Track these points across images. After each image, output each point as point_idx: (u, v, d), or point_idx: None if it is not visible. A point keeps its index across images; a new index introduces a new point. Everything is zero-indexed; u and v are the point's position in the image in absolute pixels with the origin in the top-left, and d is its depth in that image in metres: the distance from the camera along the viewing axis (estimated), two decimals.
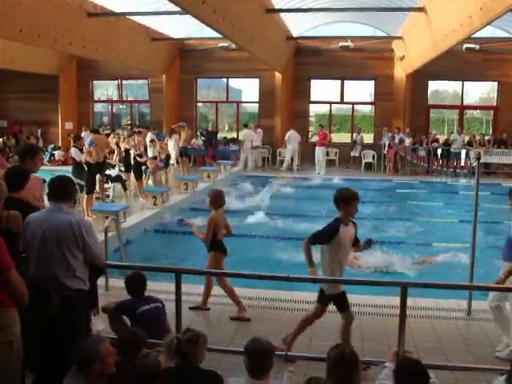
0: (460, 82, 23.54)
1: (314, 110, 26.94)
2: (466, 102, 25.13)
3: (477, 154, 5.73)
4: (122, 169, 15.15)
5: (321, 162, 20.43)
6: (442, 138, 23.00)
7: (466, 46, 21.05)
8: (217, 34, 14.82)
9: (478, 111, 27.89)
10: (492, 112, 24.34)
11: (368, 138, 23.91)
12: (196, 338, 3.70)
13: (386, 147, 20.69)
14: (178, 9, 11.52)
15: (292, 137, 20.88)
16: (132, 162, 14.69)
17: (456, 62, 21.73)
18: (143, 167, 14.96)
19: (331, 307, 5.33)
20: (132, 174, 14.77)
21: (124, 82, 25.52)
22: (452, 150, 20.80)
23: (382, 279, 7.01)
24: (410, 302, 6.61)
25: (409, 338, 5.74)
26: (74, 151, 12.12)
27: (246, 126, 22.00)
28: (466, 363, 5.18)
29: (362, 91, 24.51)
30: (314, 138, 21.64)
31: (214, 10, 11.37)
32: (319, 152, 20.46)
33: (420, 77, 22.08)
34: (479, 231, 10.31)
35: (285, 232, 11.25)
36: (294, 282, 6.23)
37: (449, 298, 6.87)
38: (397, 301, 4.71)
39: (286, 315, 6.51)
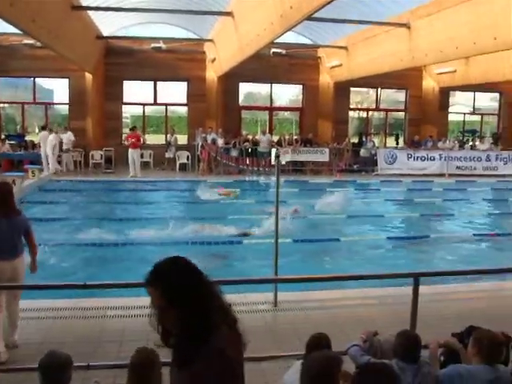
0: (269, 85, 24.68)
1: (129, 111, 26.51)
2: (277, 104, 26.45)
3: (276, 152, 5.99)
4: None
5: (135, 164, 20.07)
6: (260, 138, 23.77)
7: (273, 50, 22.16)
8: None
9: (289, 112, 29.39)
10: (299, 113, 25.90)
11: (182, 139, 24.04)
12: None
13: (200, 148, 20.96)
14: None
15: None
16: None
17: (264, 66, 22.83)
18: None
19: None
20: None
21: None
22: (259, 149, 21.64)
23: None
24: None
25: None
26: None
27: (43, 128, 20.39)
28: (272, 353, 5.41)
29: (175, 92, 24.57)
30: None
31: (11, 3, 10.61)
32: (133, 154, 20.07)
33: (231, 79, 22.79)
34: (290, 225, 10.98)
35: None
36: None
37: (257, 292, 7.11)
38: None
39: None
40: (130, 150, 20.07)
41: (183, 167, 22.01)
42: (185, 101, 24.14)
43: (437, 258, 10.39)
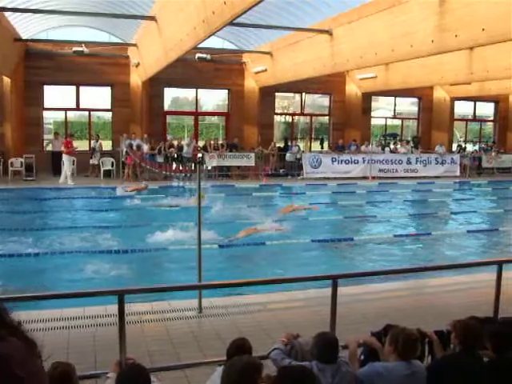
0: (194, 90, 24.58)
1: (51, 116, 25.74)
2: (204, 109, 26.39)
3: (199, 158, 5.97)
4: None
5: (68, 171, 19.61)
6: (184, 144, 23.57)
7: (198, 55, 22.10)
8: None
9: (216, 117, 29.40)
10: (224, 118, 25.96)
11: (107, 144, 23.57)
12: None
13: (124, 154, 20.62)
14: None
15: None
16: None
17: (190, 71, 22.78)
18: None
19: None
20: None
21: None
22: (185, 154, 21.50)
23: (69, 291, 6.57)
24: (139, 306, 6.73)
25: (141, 343, 5.82)
26: None
27: None
28: (197, 359, 5.39)
29: (99, 97, 24.06)
30: (50, 147, 20.73)
31: None
32: (66, 161, 19.62)
33: (156, 84, 22.59)
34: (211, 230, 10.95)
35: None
36: None
37: (182, 299, 7.07)
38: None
39: None
40: (63, 156, 19.72)
41: (108, 174, 21.54)
42: (109, 106, 23.64)
43: (359, 259, 10.63)
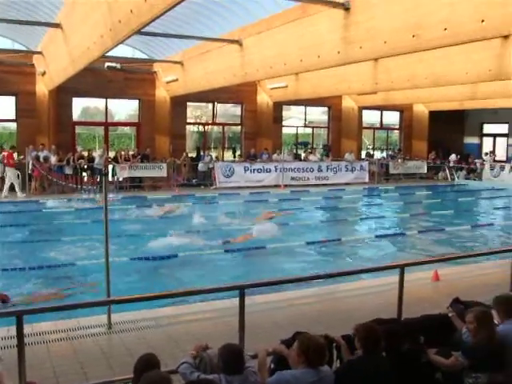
0: (104, 100, 24.05)
1: None
2: (117, 119, 25.86)
3: (104, 170, 5.81)
4: None
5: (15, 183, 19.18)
6: (95, 155, 22.83)
7: (107, 64, 21.58)
8: None
9: (128, 127, 28.84)
10: (136, 128, 25.55)
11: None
12: None
13: (31, 166, 19.83)
14: None
15: None
16: None
17: (99, 80, 22.29)
18: None
19: None
20: None
21: None
22: (96, 166, 20.87)
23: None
24: (45, 325, 6.46)
25: (47, 364, 5.57)
26: None
27: None
28: (106, 378, 5.21)
29: (2, 107, 22.97)
30: None
31: None
32: (11, 174, 19.07)
33: (64, 93, 21.92)
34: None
35: None
36: None
37: (92, 315, 6.84)
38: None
39: None
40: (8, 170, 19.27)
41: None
42: (13, 116, 22.65)
43: (269, 267, 10.64)
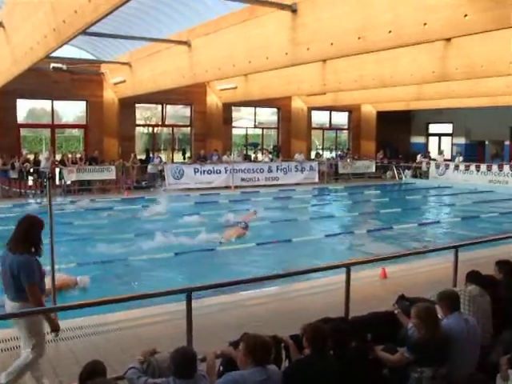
0: (50, 101, 23.55)
1: None
2: (64, 121, 25.34)
3: (48, 173, 5.68)
4: None
5: None
6: (42, 158, 22.28)
7: (53, 65, 21.12)
8: None
9: (76, 130, 28.28)
10: (83, 130, 25.11)
11: None
12: None
13: None
14: None
15: None
16: None
17: (44, 81, 21.82)
18: None
19: None
20: None
21: None
22: (42, 169, 20.36)
23: None
24: None
25: None
26: None
27: None
28: None
29: None
30: None
31: None
32: None
33: (8, 95, 21.28)
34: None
35: None
36: None
37: None
38: None
39: None
40: None
41: None
42: None
43: (220, 269, 10.58)
